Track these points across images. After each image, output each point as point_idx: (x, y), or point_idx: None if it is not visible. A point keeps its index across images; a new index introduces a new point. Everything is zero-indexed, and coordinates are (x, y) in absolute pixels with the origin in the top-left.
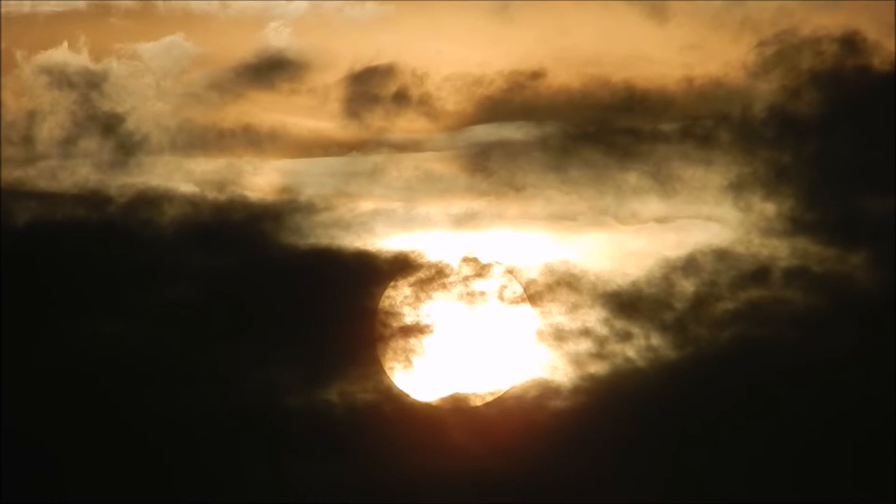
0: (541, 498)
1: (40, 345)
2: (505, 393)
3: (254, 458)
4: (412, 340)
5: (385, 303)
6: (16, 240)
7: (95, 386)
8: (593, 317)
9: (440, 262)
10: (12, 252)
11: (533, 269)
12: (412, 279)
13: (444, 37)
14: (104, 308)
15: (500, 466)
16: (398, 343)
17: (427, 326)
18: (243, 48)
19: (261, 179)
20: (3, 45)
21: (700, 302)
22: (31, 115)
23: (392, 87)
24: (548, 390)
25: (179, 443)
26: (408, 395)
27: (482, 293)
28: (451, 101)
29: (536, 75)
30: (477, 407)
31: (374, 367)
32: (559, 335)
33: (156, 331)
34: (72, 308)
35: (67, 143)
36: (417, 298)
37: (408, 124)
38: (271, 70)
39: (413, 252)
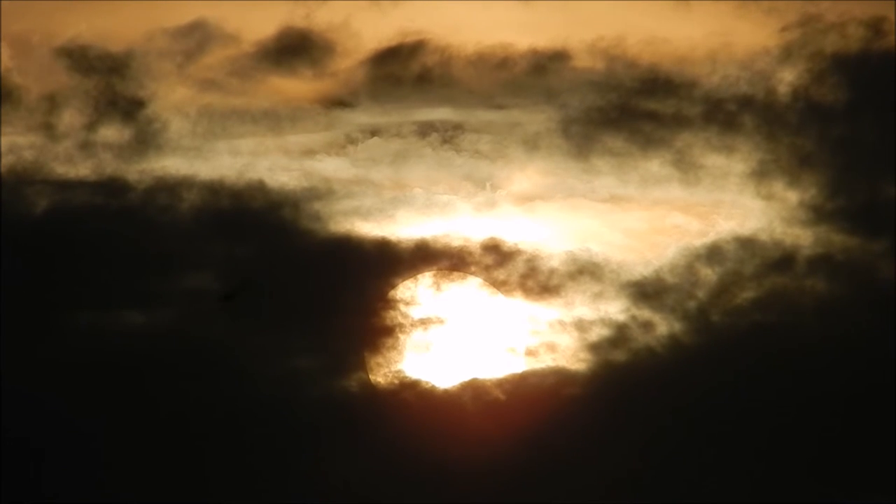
0: (557, 487)
1: (55, 334)
2: (524, 381)
3: (271, 448)
4: (432, 328)
5: (405, 290)
6: (33, 227)
7: (111, 376)
8: (615, 305)
9: (461, 249)
10: (28, 239)
11: (554, 258)
12: (433, 266)
13: (467, 18)
14: (121, 296)
15: (518, 454)
16: (418, 330)
17: (447, 314)
18: (265, 30)
19: (281, 166)
20: (21, 28)
21: (723, 290)
22: (50, 100)
23: (414, 69)
24: (566, 378)
25: (195, 434)
26: (427, 383)
27: (503, 281)
28: (473, 83)
29: (559, 57)
30: (496, 394)
31: (393, 355)
32: (581, 323)
33: (172, 318)
34: (88, 296)
35: (86, 129)
36: (438, 286)
37: (429, 107)
38: (293, 52)
39: (434, 239)
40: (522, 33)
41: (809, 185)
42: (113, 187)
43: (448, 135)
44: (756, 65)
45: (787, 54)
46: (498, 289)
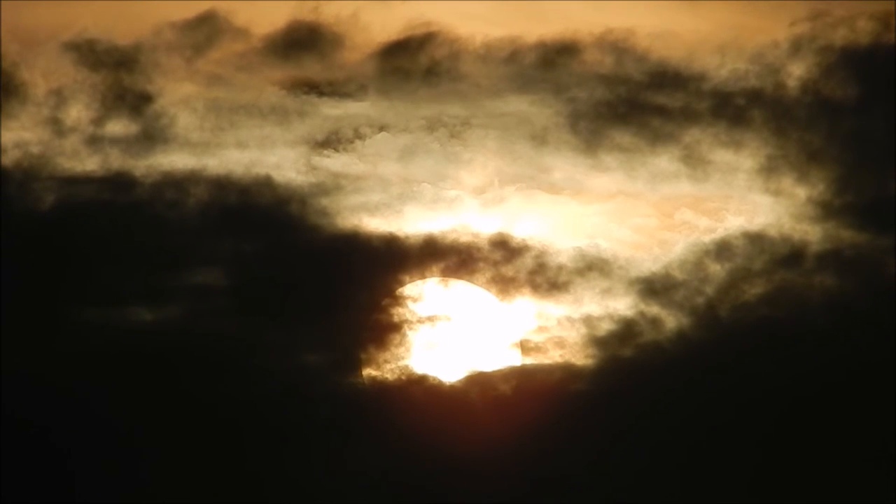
0: (563, 482)
1: (62, 331)
2: (532, 377)
3: (279, 443)
4: (440, 323)
5: (413, 286)
6: (39, 222)
7: (118, 372)
8: (623, 301)
9: (469, 244)
10: (35, 235)
11: (562, 253)
12: (440, 262)
13: (475, 11)
14: (127, 291)
15: (526, 449)
16: (426, 326)
17: (455, 310)
18: (273, 24)
19: (289, 161)
20: (28, 22)
21: (731, 286)
22: (57, 94)
23: (422, 63)
24: (574, 374)
25: (202, 429)
26: (435, 378)
27: (511, 277)
28: (481, 77)
29: (567, 50)
30: (503, 390)
31: (401, 350)
32: (588, 319)
33: (179, 313)
34: (94, 292)
35: (93, 123)
36: (446, 282)
37: (437, 101)
38: (301, 47)
39: (442, 234)
40: (530, 27)
41: (818, 181)
42: (120, 182)
43: (456, 129)
44: (765, 59)
45: (796, 49)
46: (506, 285)
